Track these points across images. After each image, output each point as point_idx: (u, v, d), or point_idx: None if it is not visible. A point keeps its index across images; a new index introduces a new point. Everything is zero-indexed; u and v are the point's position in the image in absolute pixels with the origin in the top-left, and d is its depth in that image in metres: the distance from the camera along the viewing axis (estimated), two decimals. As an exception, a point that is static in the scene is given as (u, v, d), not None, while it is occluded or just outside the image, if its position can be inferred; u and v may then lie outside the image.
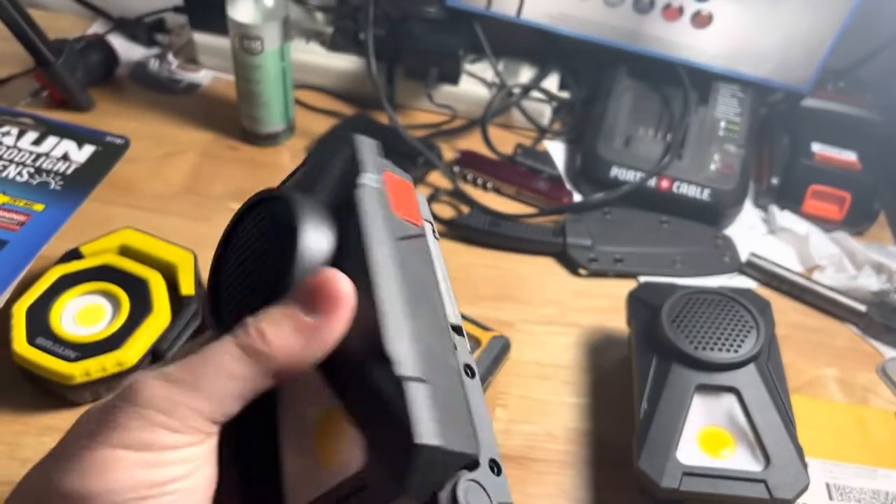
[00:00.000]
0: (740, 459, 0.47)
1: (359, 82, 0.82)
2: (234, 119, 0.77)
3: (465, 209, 0.71)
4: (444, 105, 0.81)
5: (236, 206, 0.67)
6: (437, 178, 0.75)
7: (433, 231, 0.32)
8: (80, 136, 0.74)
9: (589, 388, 0.58)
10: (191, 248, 0.58)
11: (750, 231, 0.74)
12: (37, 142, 0.72)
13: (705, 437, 0.48)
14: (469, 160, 0.75)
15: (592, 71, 0.84)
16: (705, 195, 0.71)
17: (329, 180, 0.31)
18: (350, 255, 0.28)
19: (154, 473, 0.25)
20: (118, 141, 0.74)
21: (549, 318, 0.63)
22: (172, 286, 0.56)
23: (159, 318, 0.53)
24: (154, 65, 0.85)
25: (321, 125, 0.79)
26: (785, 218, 0.73)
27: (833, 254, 0.70)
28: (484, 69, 0.82)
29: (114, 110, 0.79)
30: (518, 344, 0.60)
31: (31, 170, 0.69)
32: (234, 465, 0.28)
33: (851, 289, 0.67)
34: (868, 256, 0.68)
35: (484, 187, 0.75)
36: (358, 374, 0.26)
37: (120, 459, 0.24)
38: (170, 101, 0.80)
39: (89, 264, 0.56)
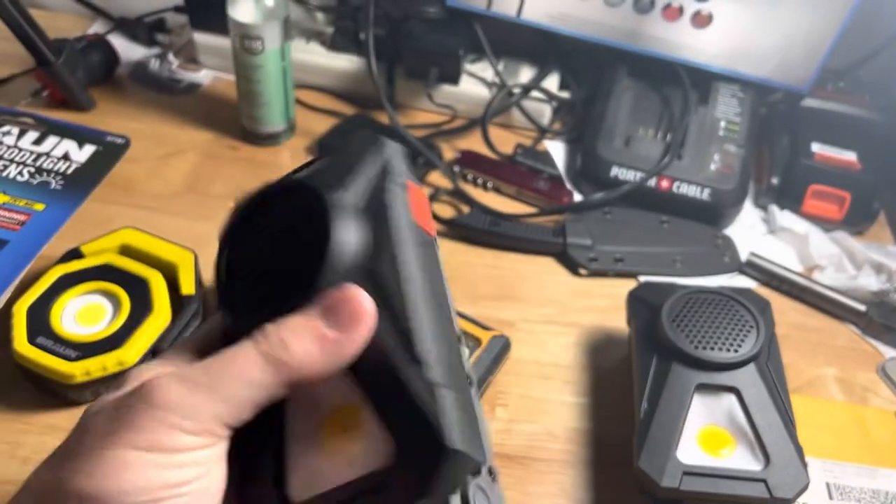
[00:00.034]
0: (740, 459, 0.47)
1: (359, 82, 0.82)
2: (234, 119, 0.77)
3: (466, 209, 0.71)
4: (445, 105, 0.81)
5: (237, 205, 0.65)
6: (437, 178, 0.75)
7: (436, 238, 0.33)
8: (81, 136, 0.74)
9: (589, 388, 0.58)
10: (191, 247, 0.58)
11: (750, 231, 0.74)
12: (37, 141, 0.72)
13: (705, 436, 0.48)
14: (469, 160, 0.75)
15: (592, 71, 0.84)
16: (705, 195, 0.71)
17: (360, 181, 0.31)
18: (381, 257, 0.29)
19: (168, 475, 0.25)
20: (119, 141, 0.74)
21: (549, 318, 0.63)
22: (173, 286, 0.56)
23: (160, 317, 0.53)
24: (154, 65, 0.85)
25: (322, 125, 0.79)
26: (785, 218, 0.73)
27: (833, 253, 0.70)
28: (484, 69, 0.82)
29: (114, 110, 0.79)
30: (518, 343, 0.60)
31: (32, 169, 0.69)
32: (236, 463, 0.28)
33: (851, 288, 0.67)
34: (868, 256, 0.68)
35: (484, 187, 0.75)
36: (387, 375, 0.27)
37: (134, 460, 0.24)
38: (170, 101, 0.81)
39: (90, 264, 0.56)
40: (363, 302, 0.27)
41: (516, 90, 0.81)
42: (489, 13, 0.79)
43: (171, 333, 0.53)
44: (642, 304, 0.55)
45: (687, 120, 0.75)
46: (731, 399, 0.49)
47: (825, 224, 0.73)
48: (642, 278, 0.67)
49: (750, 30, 0.75)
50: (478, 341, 0.57)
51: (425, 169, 0.74)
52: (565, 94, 0.83)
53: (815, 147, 0.75)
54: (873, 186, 0.73)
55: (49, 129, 0.74)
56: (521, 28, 0.79)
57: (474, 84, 0.81)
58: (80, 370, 0.50)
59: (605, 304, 0.65)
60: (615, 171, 0.73)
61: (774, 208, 0.74)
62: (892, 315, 0.64)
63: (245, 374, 0.26)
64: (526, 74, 0.83)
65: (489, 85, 0.81)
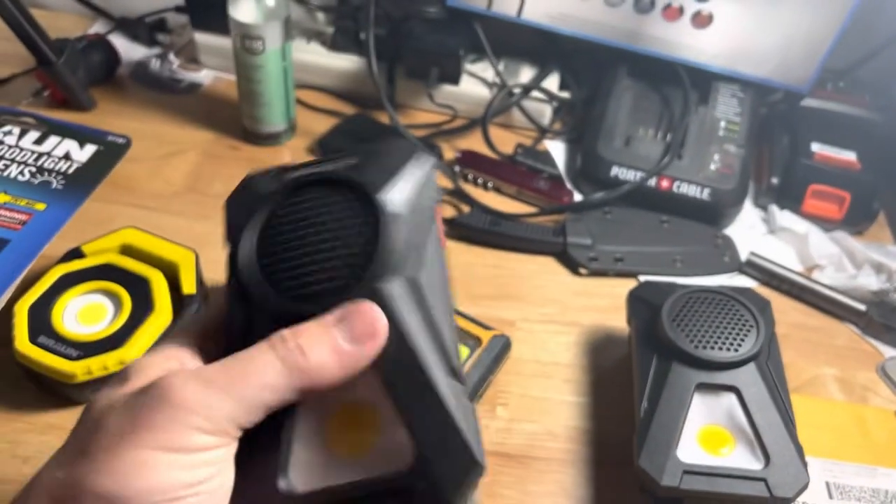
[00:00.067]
0: (740, 458, 0.47)
1: (360, 82, 0.82)
2: (235, 119, 0.77)
3: (466, 208, 0.71)
4: (445, 105, 0.81)
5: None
6: (437, 178, 0.75)
7: None
8: (82, 136, 0.74)
9: (589, 387, 0.58)
10: (192, 247, 0.58)
11: (750, 231, 0.74)
12: (38, 141, 0.72)
13: (705, 435, 0.48)
14: (470, 160, 0.75)
15: (593, 71, 0.84)
16: (705, 195, 0.71)
17: (406, 190, 0.31)
18: (421, 268, 0.30)
19: (185, 474, 0.25)
20: (119, 140, 0.74)
21: (549, 317, 0.63)
22: (174, 285, 0.56)
23: (161, 316, 0.53)
24: (155, 64, 0.85)
25: (322, 125, 0.79)
26: (785, 217, 0.73)
27: (833, 253, 0.70)
28: (484, 69, 0.82)
29: (115, 110, 0.79)
30: (519, 343, 0.60)
31: (33, 169, 0.69)
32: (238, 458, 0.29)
33: (851, 288, 0.67)
34: (867, 256, 0.69)
35: (484, 187, 0.75)
36: (422, 385, 0.28)
37: (154, 460, 0.25)
38: (171, 101, 0.81)
39: (91, 263, 0.56)
40: (379, 319, 0.28)
41: (517, 90, 0.81)
42: (489, 13, 0.79)
43: (172, 332, 0.53)
44: (642, 304, 0.55)
45: (687, 120, 0.75)
46: (731, 398, 0.49)
47: (825, 224, 0.73)
48: (642, 278, 0.67)
49: (750, 30, 0.75)
50: (478, 341, 0.57)
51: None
52: (565, 94, 0.83)
53: (815, 147, 0.75)
54: (873, 186, 0.73)
55: (50, 128, 0.74)
56: (522, 28, 0.80)
57: (475, 84, 0.82)
58: (82, 369, 0.50)
59: (605, 303, 0.65)
60: (615, 170, 0.73)
61: (774, 208, 0.75)
62: (892, 314, 0.64)
63: (263, 379, 0.26)
64: (526, 74, 0.83)
65: (489, 85, 0.81)
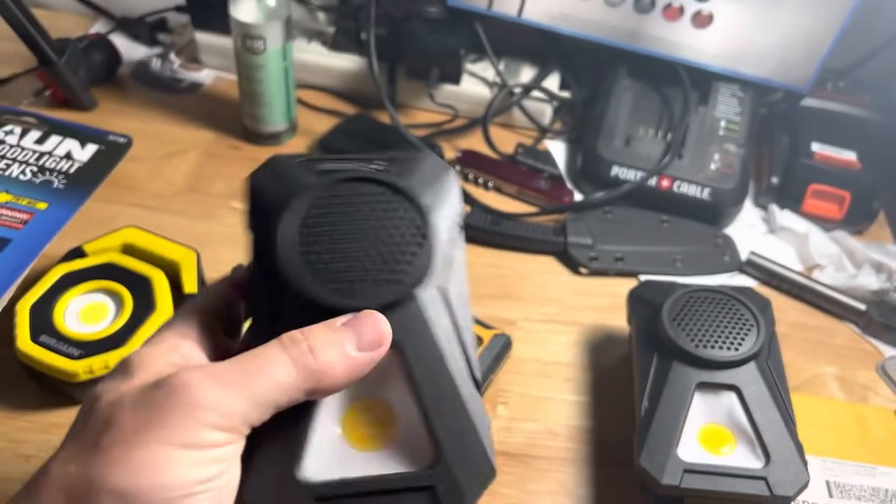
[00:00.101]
0: (741, 457, 0.47)
1: (360, 82, 0.82)
2: (236, 118, 0.77)
3: (467, 208, 0.71)
4: (446, 104, 0.81)
5: (238, 205, 0.67)
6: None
7: None
8: (83, 135, 0.74)
9: (590, 386, 0.59)
10: (193, 246, 0.58)
11: (750, 230, 0.74)
12: (40, 140, 0.73)
13: (706, 434, 0.48)
14: (470, 159, 0.76)
15: (593, 71, 0.84)
16: (705, 194, 0.72)
17: (444, 205, 0.32)
18: (452, 280, 0.32)
19: (199, 471, 0.26)
20: (121, 140, 0.74)
21: (550, 317, 0.63)
22: (175, 284, 0.56)
23: (162, 316, 0.53)
24: (156, 64, 0.85)
25: (323, 125, 0.79)
26: (785, 217, 0.74)
27: (833, 253, 0.70)
28: (485, 69, 0.82)
29: (116, 109, 0.79)
30: (519, 342, 0.60)
31: (35, 168, 0.69)
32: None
33: (851, 288, 0.67)
34: (867, 255, 0.69)
35: (485, 186, 0.76)
36: (450, 392, 0.30)
37: (171, 457, 0.25)
38: (172, 101, 0.81)
39: (92, 262, 0.56)
40: (385, 329, 0.29)
41: (517, 90, 0.81)
42: (490, 13, 0.79)
43: (173, 332, 0.53)
44: (643, 303, 0.56)
45: (687, 119, 0.75)
46: (731, 397, 0.49)
47: (825, 223, 0.73)
48: (643, 277, 0.67)
49: (750, 30, 0.75)
50: (479, 340, 0.57)
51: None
52: (566, 94, 0.83)
53: (815, 147, 0.75)
54: (873, 186, 0.73)
55: (51, 128, 0.74)
56: (522, 28, 0.80)
57: (475, 84, 0.82)
58: (84, 368, 0.50)
59: (605, 303, 0.65)
60: (616, 170, 0.73)
61: (774, 208, 0.75)
62: (892, 314, 0.64)
63: (275, 379, 0.27)
64: (527, 74, 0.83)
65: (490, 85, 0.82)
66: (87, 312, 0.54)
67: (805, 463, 0.46)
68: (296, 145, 0.77)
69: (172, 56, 0.86)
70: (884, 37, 0.81)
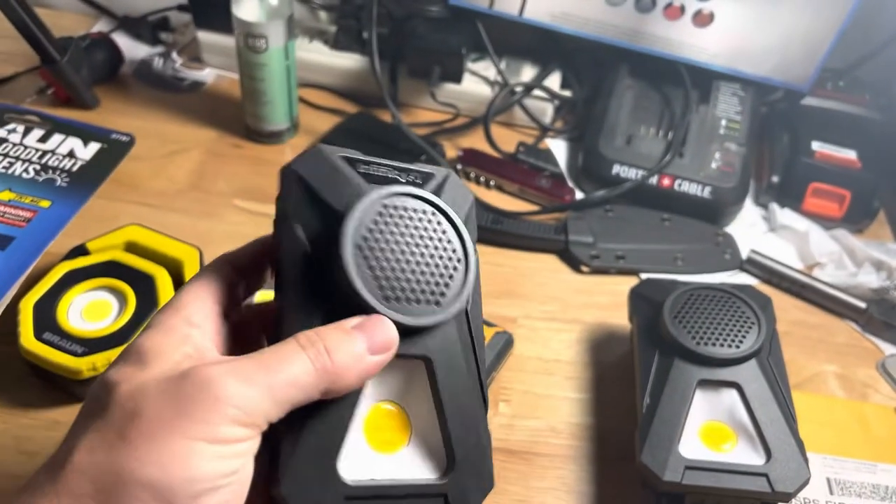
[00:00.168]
0: (742, 454, 0.47)
1: (362, 81, 0.82)
2: (238, 117, 0.77)
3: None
4: (447, 103, 0.81)
5: (241, 203, 0.67)
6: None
7: None
8: (86, 134, 0.74)
9: (591, 384, 0.59)
10: (196, 244, 0.59)
11: (750, 229, 0.74)
12: (42, 139, 0.73)
13: (707, 431, 0.48)
14: (472, 158, 0.76)
15: (594, 69, 0.84)
16: (706, 193, 0.72)
17: (474, 231, 0.34)
18: (474, 300, 0.34)
19: (224, 464, 0.26)
20: (123, 138, 0.75)
21: (551, 315, 0.64)
22: (178, 282, 0.56)
23: (165, 313, 0.53)
24: (158, 63, 0.85)
25: (325, 123, 0.79)
26: (785, 215, 0.74)
27: (833, 251, 0.70)
28: (486, 68, 0.83)
29: (119, 108, 0.79)
30: (521, 340, 0.60)
31: (37, 167, 0.70)
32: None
33: (851, 286, 0.67)
34: (868, 254, 0.69)
35: (486, 185, 0.76)
36: (469, 408, 0.32)
37: (200, 451, 0.25)
38: (174, 100, 0.81)
39: (95, 260, 0.56)
40: (394, 334, 0.30)
41: (518, 89, 0.81)
42: (492, 12, 0.79)
43: (176, 329, 0.53)
44: (644, 301, 0.56)
45: (688, 118, 0.75)
46: (732, 394, 0.49)
47: (825, 222, 0.73)
48: (644, 275, 0.67)
49: (751, 29, 0.75)
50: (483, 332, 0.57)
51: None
52: (567, 93, 0.83)
53: (816, 145, 0.75)
54: (873, 184, 0.73)
55: (54, 126, 0.74)
56: (524, 27, 0.80)
57: (477, 82, 0.82)
58: (87, 365, 0.50)
59: (606, 301, 0.65)
60: (617, 169, 0.73)
61: (775, 206, 0.75)
62: (892, 312, 0.64)
63: (295, 378, 0.28)
64: (528, 73, 0.83)
65: (491, 83, 0.82)
66: (90, 310, 0.54)
67: (806, 460, 0.46)
68: (297, 144, 0.78)
69: (174, 55, 0.86)
70: (884, 36, 0.81)
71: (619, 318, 0.62)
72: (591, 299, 0.65)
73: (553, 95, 0.82)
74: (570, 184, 0.76)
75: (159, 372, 0.27)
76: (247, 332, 0.35)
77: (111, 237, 0.58)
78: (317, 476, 0.29)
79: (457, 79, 0.81)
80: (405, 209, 0.31)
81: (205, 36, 0.84)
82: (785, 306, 0.66)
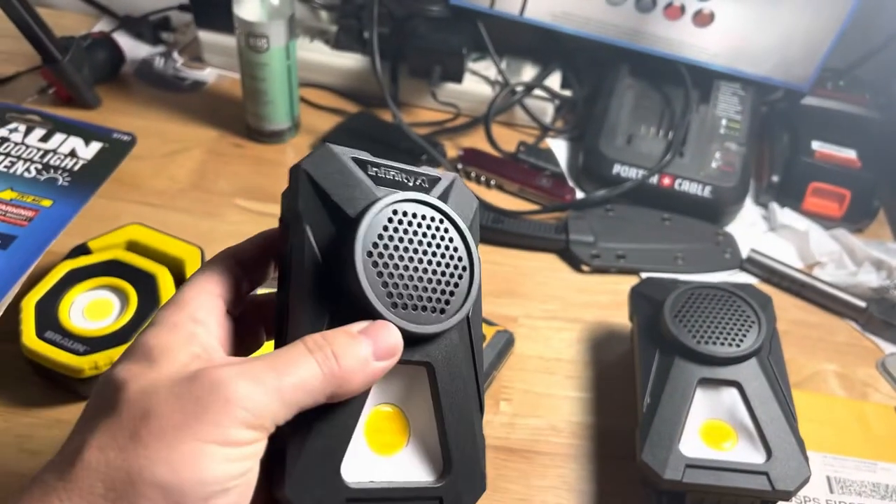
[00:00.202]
0: (742, 452, 0.47)
1: (363, 80, 0.82)
2: (239, 117, 0.77)
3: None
4: (448, 103, 0.81)
5: (242, 202, 0.67)
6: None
7: None
8: (87, 133, 0.74)
9: (592, 383, 0.59)
10: (197, 243, 0.59)
11: (751, 228, 0.74)
12: (44, 138, 0.73)
13: (708, 430, 0.48)
14: (472, 157, 0.76)
15: (594, 69, 0.84)
16: (706, 192, 0.72)
17: (478, 238, 0.34)
18: (474, 309, 0.34)
19: (234, 466, 0.26)
20: (125, 138, 0.75)
21: (552, 314, 0.64)
22: (180, 281, 0.56)
23: (167, 312, 0.53)
24: (159, 63, 0.86)
25: (326, 123, 0.79)
26: (785, 215, 0.74)
27: (833, 250, 0.71)
28: (487, 67, 0.83)
29: (120, 108, 0.79)
30: (521, 339, 0.60)
31: (39, 166, 0.70)
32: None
33: (851, 285, 0.67)
34: (867, 253, 0.69)
35: (487, 184, 0.76)
36: (467, 413, 0.33)
37: (211, 453, 0.26)
38: (175, 99, 0.81)
39: (97, 259, 0.56)
40: (399, 340, 0.30)
41: (519, 88, 0.81)
42: (492, 12, 0.79)
43: (178, 328, 0.53)
44: (645, 300, 0.56)
45: (688, 118, 0.75)
46: (733, 393, 0.49)
47: (825, 221, 0.74)
48: (644, 275, 0.67)
49: (751, 29, 0.75)
50: (482, 336, 0.57)
51: (429, 166, 0.75)
52: (567, 93, 0.83)
53: (816, 145, 0.75)
54: (873, 184, 0.74)
55: (56, 126, 0.74)
56: (524, 27, 0.80)
57: (477, 82, 0.82)
58: (89, 364, 0.50)
59: (607, 300, 0.65)
60: (617, 168, 0.73)
61: (775, 206, 0.75)
62: (892, 311, 0.65)
63: (303, 382, 0.28)
64: (528, 73, 0.83)
65: (492, 83, 0.82)
66: (91, 309, 0.54)
67: (806, 458, 0.46)
68: (299, 143, 0.78)
69: (176, 54, 0.86)
70: (884, 36, 0.81)
71: (620, 317, 0.62)
72: (592, 298, 0.66)
73: (554, 95, 0.82)
74: (571, 183, 0.76)
75: (168, 372, 0.27)
76: (245, 324, 0.35)
77: (113, 236, 0.58)
78: (320, 478, 0.29)
79: (457, 78, 0.81)
80: (414, 216, 0.31)
81: (206, 35, 0.84)
82: (785, 305, 0.67)
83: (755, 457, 0.47)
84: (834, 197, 0.73)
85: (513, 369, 0.59)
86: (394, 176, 0.33)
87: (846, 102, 0.82)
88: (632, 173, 0.73)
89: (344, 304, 0.30)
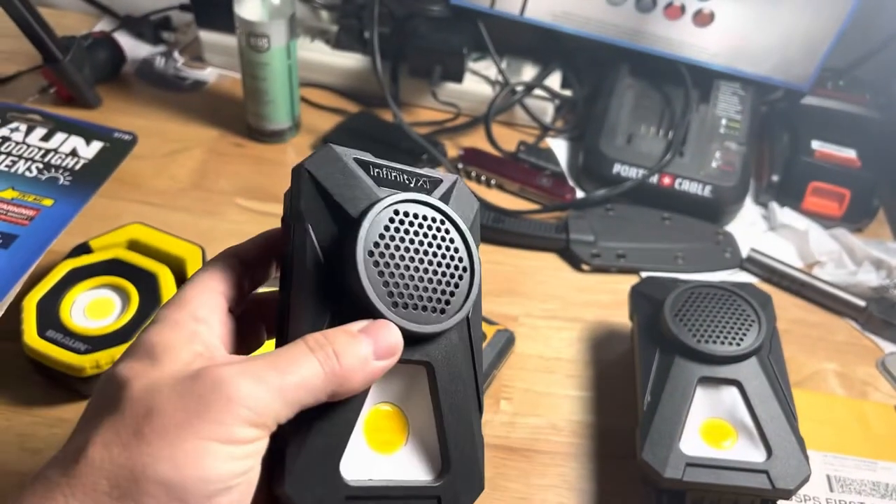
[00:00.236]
0: (743, 451, 0.47)
1: (364, 80, 0.82)
2: (239, 116, 0.78)
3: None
4: (448, 103, 0.81)
5: (242, 202, 0.67)
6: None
7: None
8: (88, 133, 0.74)
9: (592, 382, 0.59)
10: (198, 242, 0.59)
11: (750, 227, 0.74)
12: (45, 138, 0.73)
13: (708, 428, 0.48)
14: (473, 157, 0.76)
15: (595, 69, 0.84)
16: (706, 192, 0.72)
17: (479, 239, 0.35)
18: (474, 310, 0.34)
19: (237, 465, 0.26)
20: (126, 137, 0.75)
21: (552, 313, 0.64)
22: (181, 280, 0.56)
23: (168, 311, 0.54)
24: (160, 62, 0.86)
25: (326, 123, 0.79)
26: (785, 214, 0.74)
27: (833, 250, 0.71)
28: (487, 67, 0.83)
29: (121, 107, 0.79)
30: (522, 338, 0.61)
31: (40, 165, 0.70)
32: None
33: (851, 284, 0.67)
34: (867, 252, 0.69)
35: (487, 184, 0.76)
36: (465, 413, 0.33)
37: (215, 452, 0.26)
38: (176, 99, 0.81)
39: (98, 258, 0.56)
40: (399, 340, 0.30)
41: (519, 88, 0.81)
42: (493, 12, 0.79)
43: (179, 327, 0.54)
44: (645, 299, 0.56)
45: (688, 118, 0.75)
46: (733, 392, 0.49)
47: (825, 221, 0.74)
48: (644, 274, 0.67)
49: (751, 28, 0.75)
50: (483, 335, 0.57)
51: (429, 166, 0.75)
52: (568, 92, 0.84)
53: (815, 144, 0.76)
54: (873, 183, 0.74)
55: (57, 125, 0.74)
56: (524, 26, 0.80)
57: (478, 82, 0.82)
58: (90, 363, 0.50)
59: (607, 299, 0.65)
60: (617, 168, 0.73)
61: (775, 205, 0.75)
62: (892, 310, 0.65)
63: (305, 380, 0.28)
64: (529, 72, 0.83)
65: (492, 83, 0.82)
66: (93, 308, 0.54)
67: (806, 457, 0.46)
68: (299, 143, 0.78)
69: (176, 54, 0.87)
70: (884, 35, 0.81)
71: (620, 316, 0.62)
72: (592, 298, 0.66)
73: (554, 95, 0.82)
74: (571, 183, 0.76)
75: (171, 370, 0.28)
76: (246, 322, 0.35)
77: (114, 235, 0.59)
78: (320, 476, 0.29)
79: (458, 78, 0.81)
80: (416, 216, 0.32)
81: (207, 35, 0.84)
82: (785, 305, 0.67)
83: (755, 455, 0.47)
84: (834, 196, 0.73)
85: (513, 368, 0.59)
86: (396, 177, 0.33)
87: (846, 102, 0.82)
88: (632, 173, 0.73)
89: (345, 304, 0.30)
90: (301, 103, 0.79)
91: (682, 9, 0.76)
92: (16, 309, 0.53)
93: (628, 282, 0.61)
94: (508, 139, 0.79)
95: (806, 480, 0.45)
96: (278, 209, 0.34)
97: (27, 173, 0.69)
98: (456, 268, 0.32)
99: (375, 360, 0.29)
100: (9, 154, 0.70)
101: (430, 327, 0.31)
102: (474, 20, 0.80)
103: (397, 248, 0.31)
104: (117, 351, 0.51)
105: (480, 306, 0.35)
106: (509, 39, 0.83)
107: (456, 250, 0.32)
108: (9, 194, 0.66)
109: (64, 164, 0.71)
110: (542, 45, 0.85)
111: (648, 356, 0.52)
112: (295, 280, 0.31)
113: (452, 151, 0.78)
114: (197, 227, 0.66)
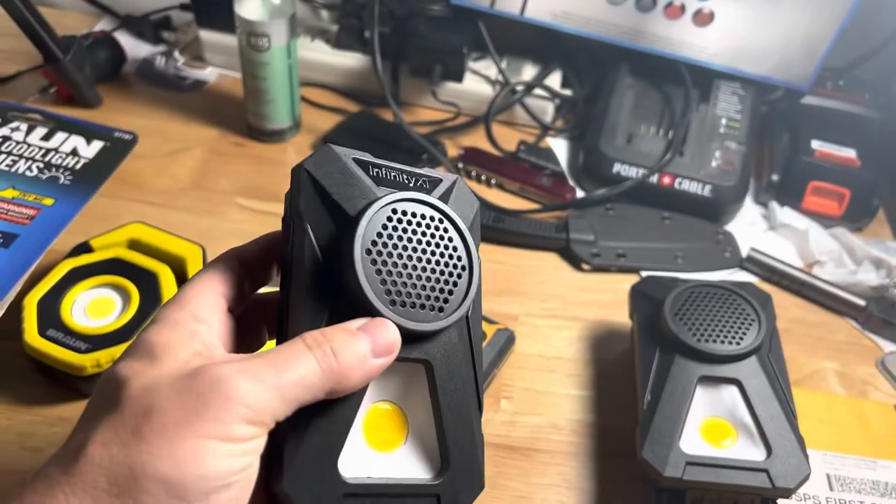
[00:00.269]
0: (742, 449, 0.47)
1: (364, 80, 0.82)
2: (240, 116, 0.78)
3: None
4: (449, 102, 0.81)
5: (243, 201, 0.68)
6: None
7: None
8: (89, 132, 0.74)
9: (592, 381, 0.59)
10: (199, 241, 0.59)
11: (750, 227, 0.75)
12: (46, 137, 0.73)
13: (708, 427, 0.48)
14: (473, 157, 0.76)
15: (595, 69, 0.84)
16: (706, 191, 0.72)
17: (479, 240, 0.35)
18: (474, 308, 0.34)
19: (236, 462, 0.27)
20: (126, 136, 0.75)
21: (552, 312, 0.64)
22: (181, 279, 0.56)
23: (169, 310, 0.54)
24: (160, 62, 0.86)
25: (327, 122, 0.79)
26: (785, 214, 0.74)
27: (833, 249, 0.71)
28: (488, 67, 0.83)
29: (121, 107, 0.79)
30: (522, 337, 0.61)
31: (41, 165, 0.70)
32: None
33: (851, 284, 0.67)
34: (867, 252, 0.69)
35: (488, 183, 0.76)
36: (465, 412, 0.33)
37: (213, 449, 0.26)
38: (176, 98, 0.81)
39: (99, 258, 0.56)
40: (397, 337, 0.30)
41: (519, 88, 0.81)
42: (493, 11, 0.79)
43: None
44: (645, 298, 0.56)
45: (688, 117, 0.75)
46: (733, 391, 0.49)
47: (825, 220, 0.74)
48: (644, 273, 0.68)
49: (751, 28, 0.75)
50: (483, 335, 0.58)
51: (429, 165, 0.75)
52: (568, 92, 0.84)
53: (815, 144, 0.76)
54: (872, 183, 0.74)
55: (57, 124, 0.75)
56: (525, 26, 0.80)
57: (478, 82, 0.82)
58: (91, 362, 0.50)
59: (607, 298, 0.65)
60: (617, 167, 0.73)
61: (775, 205, 0.75)
62: (892, 310, 0.65)
63: (303, 378, 0.28)
64: (529, 72, 0.83)
65: (493, 82, 0.82)
66: (94, 307, 0.54)
67: (806, 456, 0.46)
68: (300, 143, 0.78)
69: (177, 54, 0.87)
70: (883, 35, 0.81)
71: (620, 315, 0.62)
72: (592, 297, 0.66)
73: (554, 94, 0.82)
74: (571, 182, 0.76)
75: (170, 369, 0.28)
76: (248, 322, 0.35)
77: (114, 235, 0.59)
78: (318, 473, 0.29)
79: (458, 78, 0.81)
80: (414, 215, 0.32)
81: (207, 35, 0.84)
82: (785, 304, 0.67)
83: (755, 454, 0.47)
84: (833, 196, 0.73)
85: (513, 367, 0.59)
86: (395, 177, 0.33)
87: (846, 102, 0.82)
88: (632, 172, 0.73)
89: (343, 302, 0.30)
90: (301, 103, 0.79)
91: (682, 8, 0.76)
92: (16, 308, 0.53)
93: (628, 281, 0.61)
94: (508, 139, 0.79)
95: (806, 479, 0.45)
96: (279, 209, 0.34)
97: (28, 173, 0.69)
98: (454, 266, 0.32)
99: (373, 357, 0.29)
100: (9, 153, 0.70)
101: (428, 325, 0.31)
102: (474, 20, 0.80)
103: (395, 246, 0.31)
104: (118, 350, 0.51)
105: (480, 305, 0.35)
106: (509, 39, 0.83)
107: (454, 249, 0.32)
108: (9, 193, 0.66)
109: (64, 163, 0.71)
110: (543, 44, 0.85)
111: (648, 355, 0.52)
112: (294, 279, 0.31)
113: (452, 151, 0.78)
114: (197, 227, 0.66)
